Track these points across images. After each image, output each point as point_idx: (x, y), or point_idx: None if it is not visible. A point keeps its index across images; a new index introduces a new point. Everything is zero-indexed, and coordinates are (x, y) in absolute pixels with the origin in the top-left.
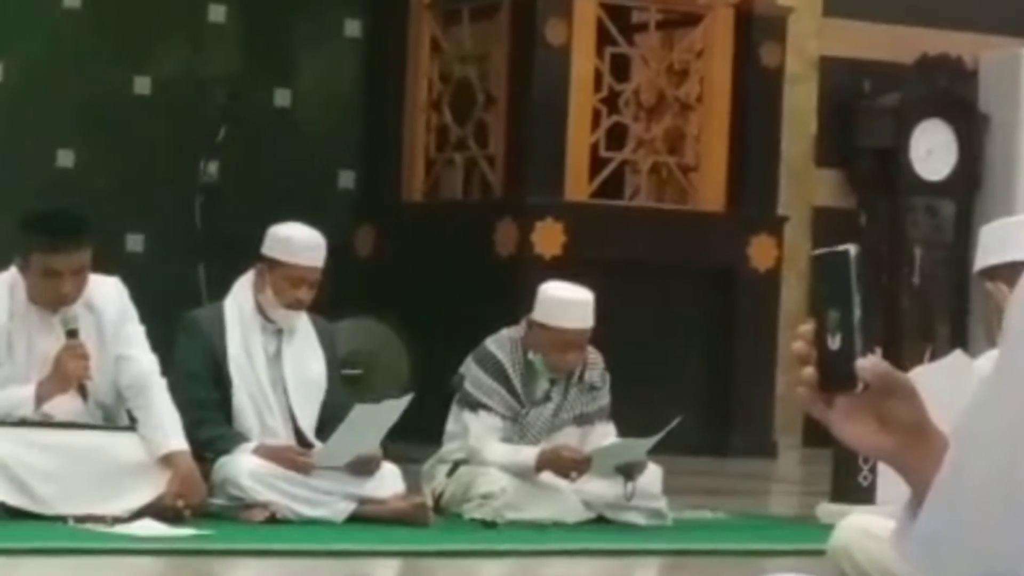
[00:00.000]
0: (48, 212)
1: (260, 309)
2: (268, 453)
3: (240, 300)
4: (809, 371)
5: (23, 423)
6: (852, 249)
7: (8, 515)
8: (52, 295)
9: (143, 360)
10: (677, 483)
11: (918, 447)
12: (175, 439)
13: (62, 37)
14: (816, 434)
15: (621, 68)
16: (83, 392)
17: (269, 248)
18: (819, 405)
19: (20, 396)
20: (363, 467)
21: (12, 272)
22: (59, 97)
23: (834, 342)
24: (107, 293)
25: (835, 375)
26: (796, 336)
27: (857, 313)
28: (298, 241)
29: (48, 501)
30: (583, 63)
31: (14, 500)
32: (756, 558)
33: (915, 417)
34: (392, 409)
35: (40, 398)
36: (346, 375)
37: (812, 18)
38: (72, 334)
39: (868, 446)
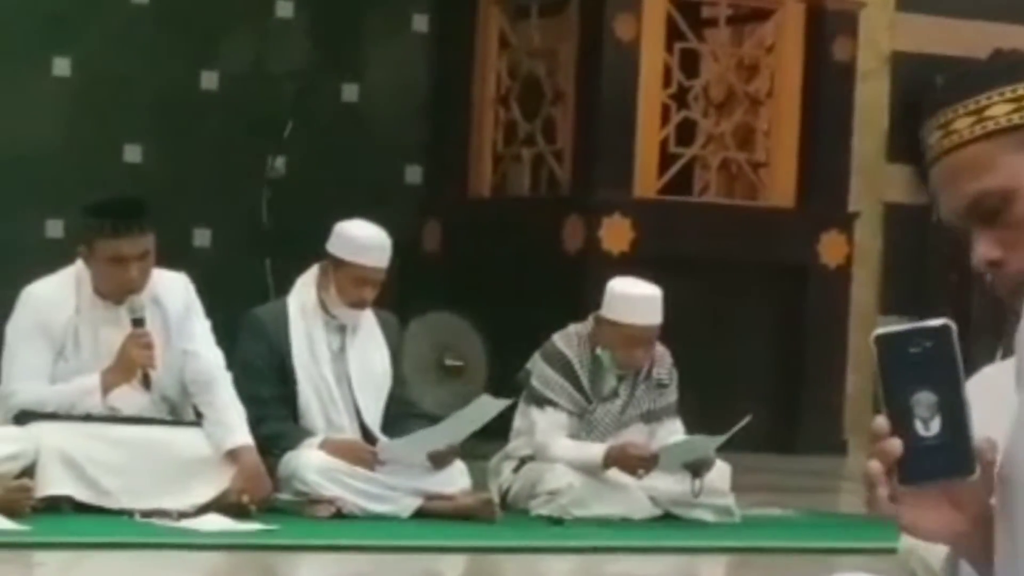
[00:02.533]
0: (109, 198)
1: (323, 305)
2: (334, 448)
3: (303, 297)
4: (877, 466)
5: (90, 418)
6: (951, 324)
7: (75, 509)
8: (118, 282)
9: (208, 355)
10: (745, 480)
11: (989, 526)
12: (240, 434)
13: (130, 33)
14: None
15: (691, 64)
16: (147, 382)
17: (334, 246)
18: (886, 501)
19: (86, 385)
20: (441, 459)
21: (78, 266)
22: (127, 93)
23: (928, 428)
24: (173, 287)
25: (933, 465)
26: (873, 434)
27: (964, 393)
28: (363, 241)
29: (114, 496)
30: (652, 59)
31: (81, 494)
32: (825, 556)
33: (989, 494)
34: (484, 409)
35: (105, 387)
36: (449, 366)
37: (884, 13)
38: (138, 323)
39: (950, 534)
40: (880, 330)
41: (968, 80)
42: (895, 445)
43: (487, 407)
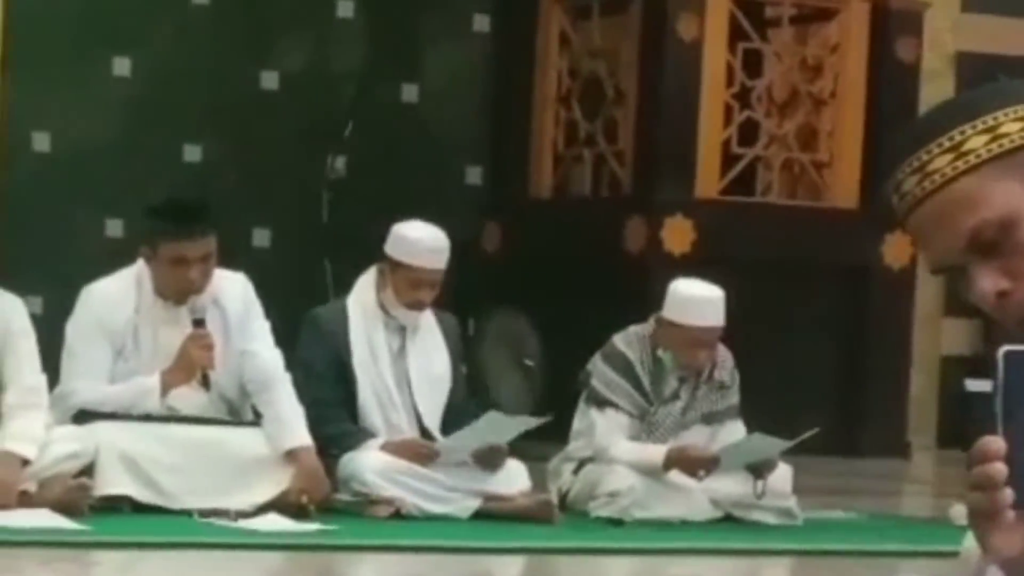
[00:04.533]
0: (171, 200)
1: (383, 306)
2: (394, 449)
3: (363, 297)
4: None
5: (149, 418)
6: None
7: (134, 509)
8: (179, 284)
9: (267, 355)
10: (808, 482)
11: None
12: (299, 434)
13: (190, 33)
14: (950, 435)
15: (754, 64)
16: (206, 383)
17: (392, 248)
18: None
19: (145, 385)
20: (489, 459)
21: (139, 266)
22: (187, 93)
23: None
24: (233, 288)
25: None
26: (986, 456)
27: None
28: (420, 243)
29: (174, 495)
30: (715, 59)
31: (140, 494)
32: (887, 559)
33: None
34: (521, 424)
35: (165, 387)
36: (526, 366)
37: (949, 13)
38: (198, 323)
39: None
40: (1008, 347)
41: (936, 118)
42: (1001, 471)
43: (520, 425)
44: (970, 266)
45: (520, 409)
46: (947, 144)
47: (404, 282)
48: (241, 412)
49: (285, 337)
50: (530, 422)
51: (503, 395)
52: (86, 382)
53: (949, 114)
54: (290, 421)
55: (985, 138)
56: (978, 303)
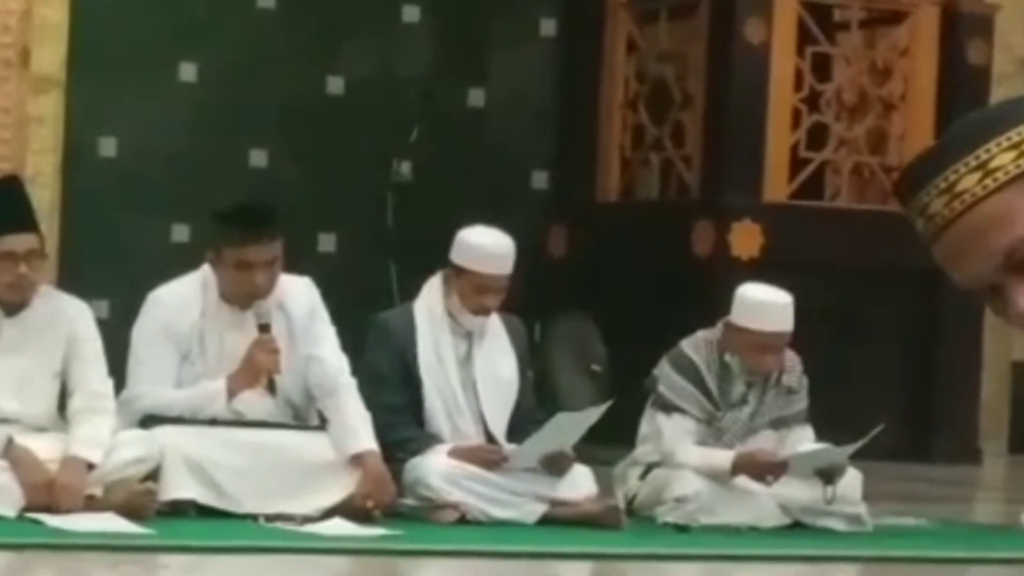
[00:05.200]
0: (238, 205)
1: (449, 311)
2: (462, 454)
3: (430, 302)
4: None
5: (215, 422)
6: None
7: (199, 513)
8: (245, 288)
9: (332, 360)
10: (877, 488)
11: None
12: (365, 439)
13: (256, 38)
14: (1021, 441)
15: (822, 67)
16: (272, 387)
17: (456, 254)
18: None
19: (211, 390)
20: (555, 465)
21: (204, 270)
22: (252, 98)
23: None
24: (298, 293)
25: None
26: None
27: None
28: (485, 249)
29: (239, 499)
30: (783, 62)
31: (205, 498)
32: (958, 566)
33: None
34: (589, 417)
35: (231, 391)
36: (593, 371)
37: (1020, 16)
38: (264, 328)
39: None
40: None
41: (959, 136)
42: None
43: (589, 417)
44: (1007, 285)
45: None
46: (974, 163)
47: (469, 288)
48: (306, 417)
49: (350, 342)
50: (596, 412)
51: (570, 400)
52: (152, 387)
53: (972, 132)
54: (356, 426)
55: (1012, 154)
56: (1018, 322)
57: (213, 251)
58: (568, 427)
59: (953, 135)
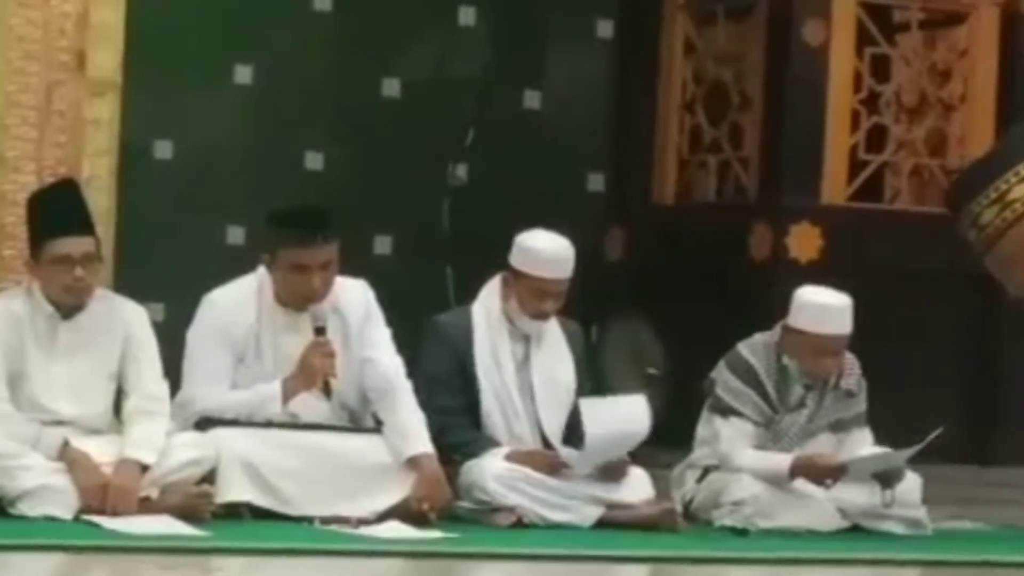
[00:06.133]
0: (294, 207)
1: (507, 315)
2: (521, 458)
3: (487, 305)
4: None
5: (270, 424)
6: None
7: (255, 515)
8: (300, 291)
9: (387, 362)
10: (937, 492)
11: None
12: (420, 441)
13: (311, 40)
14: None
15: (882, 69)
16: (327, 390)
17: (515, 258)
18: None
19: (267, 393)
20: (612, 471)
21: (260, 273)
22: (308, 100)
23: None
24: (353, 296)
25: None
26: None
27: None
28: (544, 254)
29: (294, 502)
30: (842, 64)
31: (261, 500)
32: (1018, 571)
33: None
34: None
35: (286, 394)
36: (649, 375)
37: None
38: (320, 331)
39: None
40: None
41: (1006, 149)
42: None
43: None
44: None
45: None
46: (993, 195)
47: (528, 292)
48: (362, 420)
49: (407, 344)
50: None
51: None
52: (207, 389)
53: (1021, 142)
54: (411, 429)
55: None
56: None
57: (269, 253)
58: (629, 431)
59: (1002, 146)
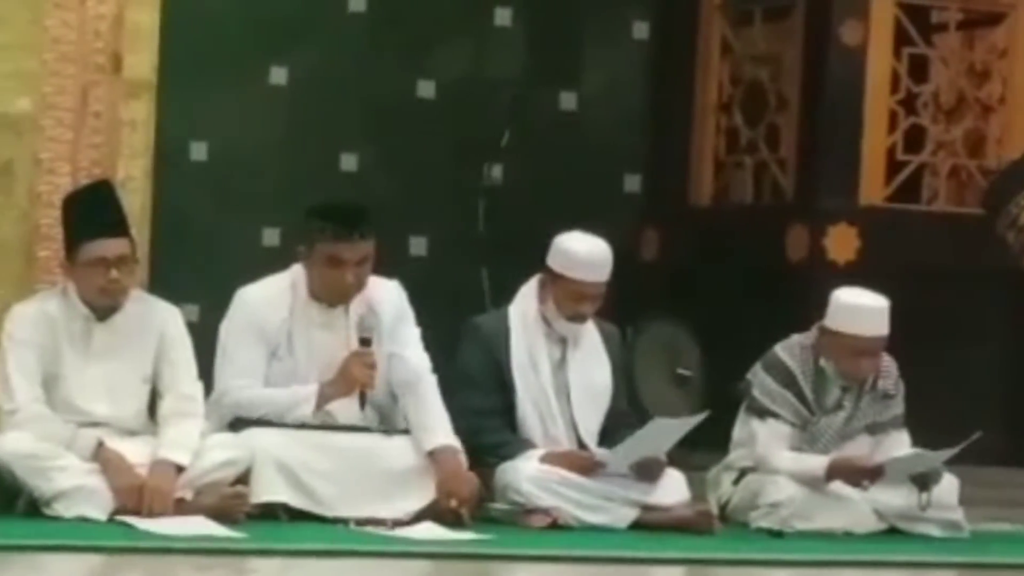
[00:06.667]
0: (334, 202)
1: (544, 317)
2: (556, 460)
3: (524, 307)
4: None
5: (304, 425)
6: None
7: (290, 516)
8: (335, 286)
9: (414, 357)
10: (974, 494)
11: None
12: (442, 435)
13: (346, 41)
14: None
15: (919, 69)
16: (362, 400)
17: (553, 260)
18: None
19: (302, 395)
20: (648, 472)
21: (294, 271)
22: (343, 101)
23: None
24: (387, 294)
25: None
26: None
27: None
28: (581, 256)
29: (329, 503)
30: (880, 64)
31: (296, 501)
32: None
33: None
34: (685, 425)
35: (322, 399)
36: (680, 375)
37: None
38: (365, 342)
39: None
40: None
41: (1020, 171)
42: None
43: (684, 426)
44: None
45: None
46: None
47: (565, 294)
48: (392, 419)
49: (442, 345)
50: (692, 421)
51: (654, 405)
52: (240, 381)
53: None
54: (434, 422)
55: None
56: None
57: (306, 247)
58: (663, 434)
59: (1004, 178)
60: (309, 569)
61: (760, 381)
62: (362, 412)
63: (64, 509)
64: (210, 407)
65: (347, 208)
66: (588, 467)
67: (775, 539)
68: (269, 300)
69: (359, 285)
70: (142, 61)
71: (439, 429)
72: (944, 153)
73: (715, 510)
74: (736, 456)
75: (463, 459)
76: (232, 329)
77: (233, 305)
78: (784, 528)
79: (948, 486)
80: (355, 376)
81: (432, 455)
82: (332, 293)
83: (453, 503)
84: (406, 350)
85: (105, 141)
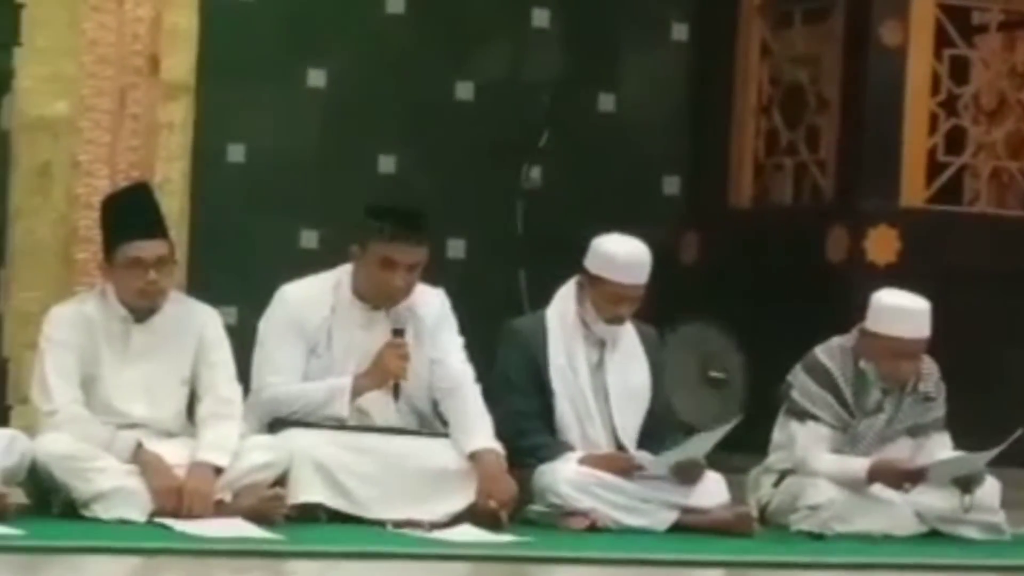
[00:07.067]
0: (395, 204)
1: (582, 319)
2: (595, 462)
3: (562, 310)
4: None
5: (342, 426)
6: None
7: (328, 518)
8: (384, 287)
9: (456, 363)
10: (1016, 497)
11: None
12: (482, 438)
13: (385, 43)
14: None
15: (960, 70)
16: (396, 392)
17: (591, 263)
18: None
19: (336, 387)
20: (687, 474)
21: (338, 271)
22: (381, 103)
23: None
24: (430, 301)
25: None
26: None
27: None
28: (619, 258)
29: (367, 505)
30: (920, 66)
31: (334, 503)
32: None
33: None
34: (724, 429)
35: (355, 391)
36: (712, 377)
37: None
38: (398, 333)
39: None
40: None
41: None
42: None
43: (721, 432)
44: None
45: (706, 423)
46: None
47: (604, 297)
48: (431, 424)
49: (480, 348)
50: (729, 425)
51: (687, 409)
52: (277, 378)
53: None
54: (474, 425)
55: None
56: None
57: (360, 246)
58: (702, 441)
59: None
60: (347, 571)
61: (800, 383)
62: (398, 407)
63: (103, 511)
64: (248, 406)
65: (407, 211)
66: (627, 469)
67: (815, 542)
68: (310, 298)
69: (407, 290)
70: (180, 63)
71: (480, 432)
72: (985, 155)
73: (755, 513)
74: (776, 458)
75: (504, 462)
76: (271, 326)
77: (274, 302)
78: (824, 531)
79: (990, 489)
80: (389, 367)
81: (473, 457)
82: (379, 295)
83: (492, 505)
84: (448, 356)
85: (143, 143)
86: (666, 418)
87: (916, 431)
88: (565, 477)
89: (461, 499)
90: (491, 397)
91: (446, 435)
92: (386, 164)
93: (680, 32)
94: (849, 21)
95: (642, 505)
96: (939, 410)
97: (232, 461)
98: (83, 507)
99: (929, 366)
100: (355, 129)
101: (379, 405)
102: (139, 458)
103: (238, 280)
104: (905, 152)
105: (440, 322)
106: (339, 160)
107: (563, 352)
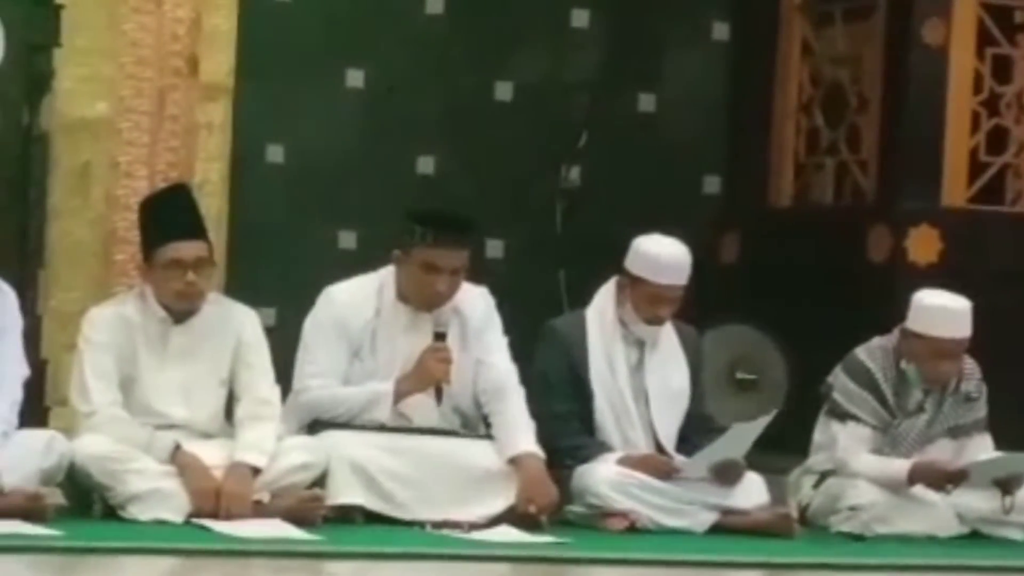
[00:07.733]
0: (439, 208)
1: (622, 320)
2: (633, 463)
3: (601, 310)
4: None
5: (382, 428)
6: None
7: (366, 519)
8: (426, 291)
9: (502, 366)
10: None
11: None
12: (525, 442)
13: (424, 44)
14: None
15: (1003, 69)
16: (439, 396)
17: (632, 263)
18: None
19: (378, 391)
20: (727, 475)
21: (382, 273)
22: (420, 104)
23: None
24: (474, 301)
25: None
26: None
27: None
28: (662, 260)
29: (406, 506)
30: (962, 64)
31: (373, 504)
32: None
33: None
34: (761, 423)
35: (398, 395)
36: (741, 379)
37: None
38: (440, 337)
39: None
40: None
41: None
42: None
43: (760, 424)
44: None
45: (733, 423)
46: None
47: (643, 297)
48: (474, 426)
49: (519, 348)
50: (766, 418)
51: (719, 411)
52: (320, 380)
53: None
54: (517, 429)
55: None
56: None
57: (402, 249)
58: (740, 437)
59: None
60: (385, 572)
61: (841, 384)
62: (440, 408)
63: (140, 512)
64: (287, 407)
65: (450, 216)
66: (666, 470)
67: (856, 543)
68: (355, 300)
69: (449, 294)
70: (219, 64)
71: (523, 435)
72: None
73: (795, 514)
74: (816, 459)
75: (544, 467)
76: (315, 327)
77: (319, 303)
78: (865, 532)
79: None
80: (431, 371)
81: (514, 461)
82: (421, 298)
83: (532, 509)
84: (492, 356)
85: (182, 144)
86: (704, 420)
87: (957, 432)
88: (604, 478)
89: (500, 501)
90: (530, 397)
91: (487, 436)
92: (425, 165)
93: (721, 31)
94: (890, 20)
95: (682, 506)
96: (980, 411)
97: (270, 462)
98: (120, 508)
99: (971, 366)
100: (394, 130)
101: (422, 409)
102: (177, 459)
103: (277, 281)
104: (947, 152)
105: (485, 322)
106: (378, 161)
107: (602, 353)
